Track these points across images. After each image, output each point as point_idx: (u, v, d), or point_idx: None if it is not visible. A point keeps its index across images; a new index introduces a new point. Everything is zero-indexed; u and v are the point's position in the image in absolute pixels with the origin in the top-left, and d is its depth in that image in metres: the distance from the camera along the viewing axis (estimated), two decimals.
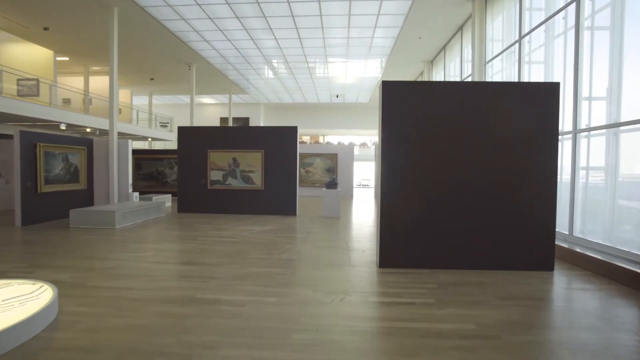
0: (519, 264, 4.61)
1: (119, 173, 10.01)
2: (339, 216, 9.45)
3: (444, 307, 3.33)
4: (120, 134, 16.14)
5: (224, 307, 3.30)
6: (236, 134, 10.24)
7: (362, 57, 14.66)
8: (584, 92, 5.48)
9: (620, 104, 4.90)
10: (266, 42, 12.98)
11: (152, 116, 21.12)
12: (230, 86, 19.73)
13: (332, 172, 15.26)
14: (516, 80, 7.41)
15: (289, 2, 9.75)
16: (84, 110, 15.39)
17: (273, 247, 5.85)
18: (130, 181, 10.28)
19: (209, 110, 25.46)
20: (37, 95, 13.23)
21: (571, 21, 5.75)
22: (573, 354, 2.56)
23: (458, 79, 11.14)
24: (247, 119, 24.89)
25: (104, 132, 15.43)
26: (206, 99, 24.34)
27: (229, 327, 2.89)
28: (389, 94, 4.68)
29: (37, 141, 7.84)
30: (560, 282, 4.25)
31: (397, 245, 4.69)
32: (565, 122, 5.69)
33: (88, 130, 15.40)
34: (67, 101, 16.08)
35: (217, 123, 24.76)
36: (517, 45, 7.57)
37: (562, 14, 6.11)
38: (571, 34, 5.75)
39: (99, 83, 16.64)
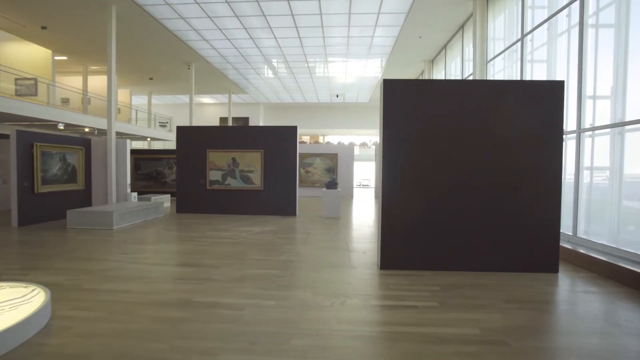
0: (522, 266, 4.53)
1: (117, 173, 9.92)
2: (339, 216, 9.37)
3: (447, 311, 3.25)
4: (119, 133, 16.09)
5: (221, 310, 3.21)
6: (235, 134, 10.15)
7: (362, 56, 14.58)
8: (588, 90, 5.39)
9: (625, 102, 4.82)
10: (266, 41, 12.89)
11: (151, 116, 21.03)
12: (230, 86, 19.64)
13: (332, 172, 15.17)
14: (518, 79, 7.33)
15: (288, 0, 9.67)
16: (83, 110, 15.30)
17: (272, 248, 5.76)
18: (128, 181, 10.19)
19: (209, 110, 25.37)
20: (35, 94, 13.15)
21: (575, 19, 5.67)
22: None
23: (459, 78, 11.06)
24: (246, 119, 24.80)
25: (102, 132, 15.33)
26: (205, 99, 24.25)
27: (227, 332, 2.81)
28: (391, 92, 4.59)
29: (34, 141, 7.75)
30: (565, 284, 4.17)
31: (399, 247, 4.60)
32: (568, 122, 5.60)
33: (86, 130, 15.31)
34: (65, 101, 16.00)
35: (216, 123, 24.67)
36: (519, 43, 7.48)
37: (565, 11, 6.03)
38: (575, 31, 5.66)
39: (98, 83, 16.53)
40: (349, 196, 15.13)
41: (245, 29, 11.71)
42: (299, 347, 2.59)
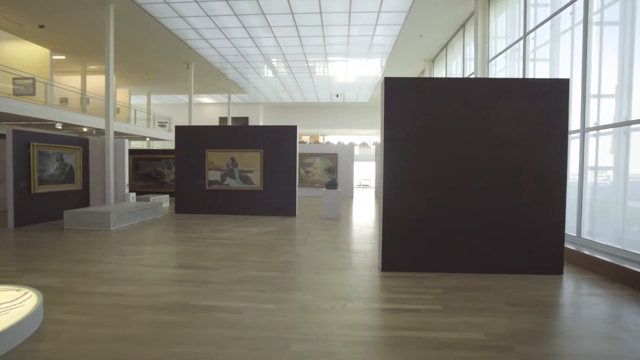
0: (526, 268, 4.44)
1: (116, 173, 9.83)
2: (339, 217, 9.28)
3: (451, 315, 3.16)
4: (118, 133, 16.02)
5: (219, 314, 3.13)
6: (235, 134, 10.07)
7: (363, 55, 14.49)
8: (592, 89, 5.31)
9: (630, 101, 4.74)
10: (265, 40, 12.80)
11: (150, 116, 20.93)
12: (229, 85, 19.55)
13: (332, 172, 15.09)
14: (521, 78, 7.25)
15: None
16: (81, 110, 15.21)
17: (271, 249, 5.67)
18: (126, 181, 10.10)
19: (208, 109, 25.28)
20: (33, 94, 13.06)
21: (579, 16, 5.58)
22: None
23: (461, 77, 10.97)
24: (246, 119, 24.71)
25: (101, 132, 15.23)
26: (205, 99, 24.16)
27: (224, 337, 2.72)
28: (392, 91, 4.51)
29: (30, 140, 7.66)
30: (571, 286, 4.08)
31: (400, 248, 4.51)
32: (572, 121, 5.51)
33: (85, 129, 15.22)
34: (64, 100, 15.93)
35: (216, 123, 24.57)
36: (521, 42, 7.40)
37: (569, 9, 5.94)
38: (579, 29, 5.58)
39: (97, 82, 16.43)
40: (349, 196, 15.05)
41: (245, 28, 11.63)
42: (298, 353, 2.51)
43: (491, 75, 8.87)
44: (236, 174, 9.55)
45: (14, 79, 12.99)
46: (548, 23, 6.60)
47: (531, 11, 7.20)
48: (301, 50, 13.87)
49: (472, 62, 9.79)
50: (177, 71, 16.12)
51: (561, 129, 4.45)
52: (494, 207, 4.46)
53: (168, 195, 11.95)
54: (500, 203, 4.45)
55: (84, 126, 14.50)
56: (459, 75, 11.21)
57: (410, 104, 4.51)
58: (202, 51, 13.92)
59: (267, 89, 20.75)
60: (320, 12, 10.40)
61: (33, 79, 13.10)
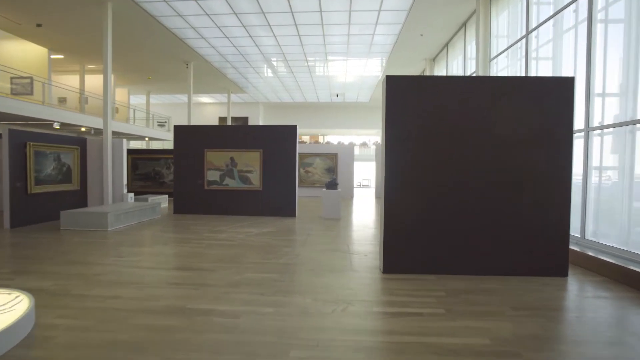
0: (531, 270, 4.35)
1: (114, 173, 9.75)
2: (339, 217, 9.20)
3: (454, 319, 3.08)
4: (117, 133, 15.93)
5: (216, 318, 3.04)
6: (234, 133, 9.98)
7: (363, 55, 14.41)
8: (597, 88, 5.22)
9: (636, 100, 4.65)
10: (265, 39, 12.71)
11: (149, 115, 20.84)
12: (229, 85, 19.46)
13: (332, 172, 15.00)
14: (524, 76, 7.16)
15: None
16: (80, 110, 15.12)
17: (271, 250, 5.59)
18: (124, 181, 10.01)
19: (208, 109, 25.19)
20: (31, 93, 12.98)
21: (583, 14, 5.50)
22: None
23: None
24: (246, 119, 24.63)
25: (99, 132, 15.13)
26: (204, 98, 24.07)
27: (221, 343, 2.63)
28: (393, 89, 4.42)
29: (27, 140, 7.56)
30: (576, 289, 4.00)
31: (402, 250, 4.43)
32: (576, 120, 5.42)
33: (83, 129, 15.12)
34: (62, 100, 15.83)
35: (215, 122, 24.45)
36: (523, 40, 7.32)
37: (572, 6, 5.86)
38: (582, 27, 5.49)
39: (95, 81, 16.33)
40: (349, 196, 14.96)
41: (244, 26, 11.54)
42: (298, 359, 2.42)
43: (493, 75, 8.78)
44: (235, 174, 9.47)
45: (11, 78, 12.90)
46: (551, 21, 6.52)
47: (533, 9, 7.12)
48: (301, 49, 13.78)
49: (474, 62, 9.71)
50: (176, 71, 16.03)
51: (566, 128, 4.37)
52: (497, 208, 4.37)
53: (167, 196, 11.88)
54: (504, 204, 4.37)
55: (82, 126, 14.41)
56: (460, 74, 11.12)
57: (412, 103, 4.42)
58: (201, 50, 13.83)
59: (266, 88, 20.67)
60: (320, 11, 10.32)
61: (31, 78, 13.01)
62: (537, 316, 3.17)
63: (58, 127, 13.08)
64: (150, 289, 3.78)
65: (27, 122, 12.81)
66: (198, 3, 9.83)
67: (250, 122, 24.48)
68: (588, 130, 5.22)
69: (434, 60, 13.75)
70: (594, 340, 2.76)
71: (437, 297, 3.58)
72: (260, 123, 24.76)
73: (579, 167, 5.34)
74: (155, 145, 23.88)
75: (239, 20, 11.01)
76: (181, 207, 9.60)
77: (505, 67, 8.42)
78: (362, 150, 30.00)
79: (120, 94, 19.85)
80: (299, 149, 10.18)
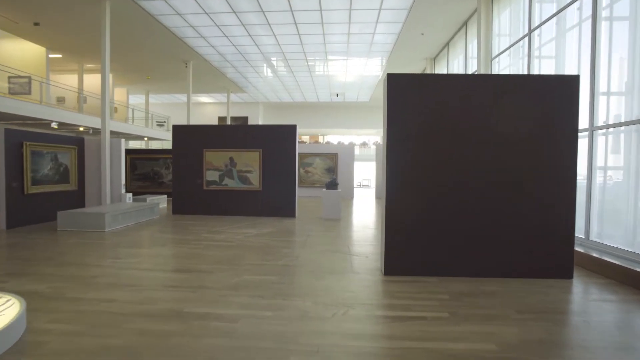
0: (535, 271, 4.27)
1: (112, 173, 9.66)
2: (339, 218, 9.11)
3: (458, 323, 2.99)
4: (116, 133, 15.84)
5: (213, 323, 2.96)
6: (233, 133, 9.89)
7: (363, 54, 14.32)
8: (601, 86, 5.14)
9: None
10: (265, 38, 12.63)
11: (148, 115, 20.75)
12: (228, 85, 19.38)
13: (332, 172, 14.92)
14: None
15: None
16: (78, 109, 15.03)
17: (270, 251, 5.50)
18: (123, 181, 9.92)
19: (207, 109, 25.10)
20: (29, 93, 12.90)
21: (587, 11, 5.42)
22: None
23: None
24: (245, 118, 24.54)
25: (98, 131, 15.04)
26: (204, 98, 23.97)
27: (218, 348, 2.55)
28: (395, 87, 4.33)
29: (23, 140, 7.47)
30: (582, 291, 3.92)
31: (404, 251, 4.34)
32: (580, 119, 5.34)
33: (81, 129, 15.03)
34: (61, 100, 15.74)
35: (215, 122, 24.37)
36: (526, 39, 7.23)
37: (576, 4, 5.78)
38: (586, 25, 5.41)
39: (94, 81, 16.25)
40: (349, 197, 14.88)
41: (244, 25, 11.45)
42: None
43: (495, 73, 8.70)
44: (234, 174, 9.38)
45: (9, 77, 12.81)
46: (554, 19, 6.43)
47: (536, 7, 7.03)
48: (301, 48, 13.70)
49: (475, 61, 9.63)
50: (175, 70, 15.95)
51: (570, 127, 4.28)
52: (501, 209, 4.29)
53: (166, 196, 11.79)
54: (508, 204, 4.28)
55: (80, 125, 14.32)
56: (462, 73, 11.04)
57: (414, 101, 4.34)
58: (200, 49, 13.74)
59: (266, 88, 20.58)
60: (320, 10, 10.24)
61: (29, 77, 12.92)
62: (542, 320, 3.09)
63: (56, 126, 13.00)
64: (147, 291, 3.69)
65: (24, 122, 12.72)
66: (197, 1, 9.75)
67: (250, 122, 24.40)
68: (592, 129, 5.14)
69: (434, 59, 13.67)
70: (603, 346, 2.68)
71: (440, 300, 3.50)
72: (260, 123, 24.67)
73: (583, 166, 5.27)
74: (154, 145, 23.79)
75: (239, 19, 10.93)
76: (180, 207, 9.52)
77: (507, 66, 8.33)
78: (362, 150, 29.92)
79: (119, 94, 19.76)
80: (298, 148, 10.10)
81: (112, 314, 3.10)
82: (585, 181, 5.21)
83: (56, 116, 12.77)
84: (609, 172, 5.18)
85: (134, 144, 22.79)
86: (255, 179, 9.31)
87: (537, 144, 4.27)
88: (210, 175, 9.43)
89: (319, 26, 11.47)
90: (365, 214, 10.48)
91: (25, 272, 4.30)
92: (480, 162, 4.28)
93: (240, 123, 23.70)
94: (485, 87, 4.37)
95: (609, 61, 5.04)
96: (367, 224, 8.55)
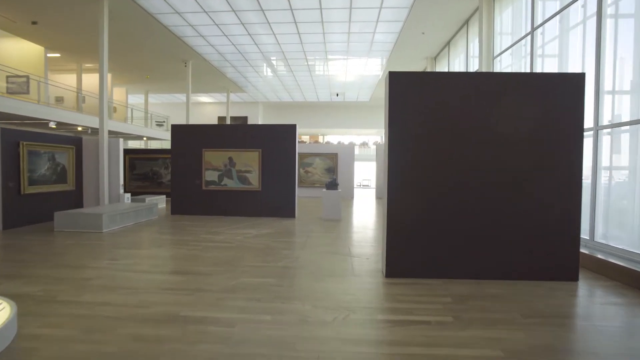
0: (539, 273, 4.18)
1: (110, 173, 9.57)
2: (339, 218, 9.02)
3: (463, 328, 2.90)
4: (114, 133, 15.74)
5: (210, 327, 2.87)
6: (232, 133, 9.81)
7: (363, 53, 14.23)
8: (606, 85, 5.05)
9: None
10: (264, 37, 12.54)
11: (147, 115, 20.65)
12: (228, 84, 19.28)
13: (332, 172, 14.83)
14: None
15: None
16: (77, 109, 14.93)
17: (269, 253, 5.41)
18: (121, 182, 9.83)
19: (207, 109, 25.01)
20: (27, 92, 12.80)
21: (591, 9, 5.33)
22: None
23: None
24: (245, 118, 24.45)
25: (96, 131, 14.96)
26: (203, 98, 23.88)
27: (215, 354, 2.46)
28: (397, 86, 4.24)
29: (20, 139, 7.38)
30: (588, 294, 3.83)
31: (406, 253, 4.25)
32: (585, 118, 5.25)
33: (80, 129, 14.93)
34: (60, 99, 15.64)
35: (214, 122, 24.26)
36: (528, 37, 7.14)
37: (580, 1, 5.69)
38: (591, 22, 5.32)
39: (93, 80, 16.13)
40: (350, 197, 14.79)
41: (243, 24, 11.36)
42: None
43: None
44: (234, 174, 9.29)
45: (7, 77, 12.72)
46: (557, 17, 6.34)
47: (539, 5, 6.94)
48: (301, 48, 13.61)
49: (476, 60, 9.54)
50: (174, 70, 15.86)
51: (576, 126, 4.19)
52: (505, 210, 4.20)
53: (164, 196, 11.70)
54: (512, 206, 4.19)
55: (79, 125, 14.22)
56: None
57: (417, 100, 4.24)
58: (199, 49, 13.65)
59: (266, 88, 20.49)
60: (320, 8, 10.15)
61: (27, 77, 12.83)
62: (549, 324, 3.00)
63: (54, 126, 12.89)
64: (143, 294, 3.60)
65: (22, 122, 12.62)
66: (196, 0, 9.65)
67: (250, 122, 24.29)
68: (597, 128, 5.05)
69: (435, 59, 13.58)
70: (613, 352, 2.58)
71: (444, 304, 3.41)
72: (260, 122, 24.58)
73: (587, 166, 5.18)
74: (153, 145, 23.69)
75: (238, 17, 10.83)
76: (179, 207, 9.43)
77: (508, 65, 8.24)
78: (362, 150, 29.82)
79: (118, 94, 19.67)
80: (298, 148, 10.01)
81: (106, 318, 3.01)
82: (589, 181, 5.12)
83: (54, 116, 12.67)
84: (614, 172, 5.10)
85: (133, 144, 22.69)
86: (254, 179, 9.22)
87: (542, 144, 4.18)
88: (209, 175, 9.34)
89: (319, 25, 11.38)
90: (365, 214, 10.39)
91: (18, 274, 4.21)
92: (485, 162, 4.19)
93: (240, 123, 23.60)
94: (489, 85, 4.28)
95: (614, 59, 4.95)
96: (367, 224, 8.46)
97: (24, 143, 7.42)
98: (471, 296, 3.62)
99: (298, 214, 9.53)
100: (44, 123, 12.96)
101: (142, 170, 13.24)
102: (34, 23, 10.94)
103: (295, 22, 11.17)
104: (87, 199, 9.27)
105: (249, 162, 9.23)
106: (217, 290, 3.72)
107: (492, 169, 4.19)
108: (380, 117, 25.93)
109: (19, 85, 12.98)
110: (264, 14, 10.57)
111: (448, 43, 12.01)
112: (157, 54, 14.02)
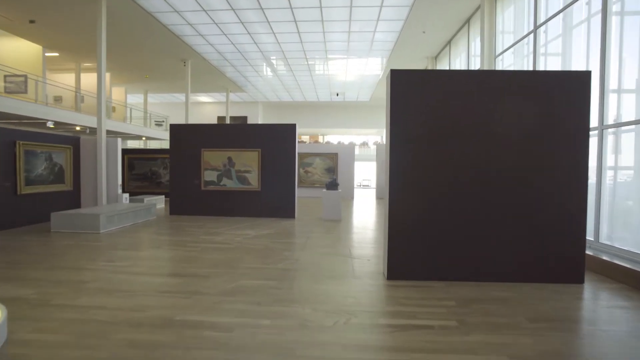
0: (544, 276, 4.09)
1: (108, 173, 9.48)
2: (339, 219, 8.93)
3: (468, 332, 2.82)
4: (114, 132, 15.67)
5: (206, 332, 2.78)
6: (231, 132, 9.72)
7: (364, 53, 14.15)
8: (611, 84, 4.97)
9: None
10: (264, 36, 12.46)
11: (147, 115, 20.56)
12: (228, 84, 19.20)
13: (332, 172, 14.74)
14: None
15: None
16: (75, 108, 14.84)
17: (269, 254, 5.33)
18: (119, 182, 9.75)
19: (206, 109, 24.93)
20: (25, 92, 12.71)
21: (596, 6, 5.24)
22: None
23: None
24: (245, 118, 24.37)
25: (95, 131, 14.87)
26: (203, 97, 23.80)
27: None
28: (399, 84, 4.16)
29: (16, 139, 7.29)
30: (594, 297, 3.75)
31: (407, 255, 4.16)
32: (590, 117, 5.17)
33: (78, 128, 14.84)
34: (58, 99, 15.55)
35: (214, 122, 24.19)
36: (531, 36, 7.06)
37: None
38: (595, 20, 5.24)
39: (92, 80, 16.00)
40: (350, 197, 14.71)
41: (242, 23, 11.28)
42: None
43: None
44: (233, 174, 9.20)
45: (5, 76, 12.63)
46: (560, 15, 6.26)
47: (542, 3, 6.86)
48: (301, 47, 13.53)
49: (478, 59, 9.46)
50: (174, 69, 15.78)
51: (581, 125, 4.11)
52: (508, 211, 4.11)
53: (163, 196, 11.62)
54: (516, 207, 4.11)
55: (77, 125, 14.13)
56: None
57: (420, 99, 4.16)
58: (199, 48, 13.57)
59: (266, 87, 20.41)
60: (320, 7, 10.06)
61: (25, 76, 12.74)
62: (557, 329, 2.91)
63: (52, 125, 12.81)
64: (139, 297, 3.51)
65: (20, 121, 12.53)
66: None
67: (250, 122, 24.21)
68: (602, 128, 4.97)
69: (435, 58, 13.49)
70: (623, 359, 2.50)
71: (447, 307, 3.32)
72: (260, 122, 24.49)
73: (592, 166, 5.09)
74: (153, 145, 23.59)
75: (237, 16, 10.75)
76: (177, 208, 9.34)
77: (510, 64, 8.17)
78: (362, 150, 29.74)
79: (117, 93, 19.58)
80: (298, 148, 9.92)
81: (100, 323, 2.92)
82: (594, 181, 5.04)
83: (53, 115, 12.59)
84: (619, 172, 5.01)
85: (132, 144, 22.60)
86: (254, 179, 9.14)
87: (546, 143, 4.09)
88: (208, 175, 9.26)
89: (319, 24, 11.30)
90: (366, 214, 10.30)
91: (11, 277, 4.13)
92: (489, 162, 4.10)
93: (240, 123, 23.51)
94: (498, 83, 4.19)
95: (620, 58, 4.87)
96: (368, 225, 8.38)
97: (21, 143, 7.33)
98: (475, 299, 3.54)
99: (298, 214, 9.44)
100: (42, 123, 12.87)
101: (141, 170, 13.14)
102: (31, 22, 10.86)
103: (295, 21, 11.09)
104: (85, 200, 9.18)
105: (248, 162, 9.15)
106: (215, 293, 3.63)
107: (496, 169, 4.10)
108: (381, 117, 25.76)
109: (17, 84, 12.89)
110: (264, 13, 10.49)
111: (449, 42, 11.93)
112: (156, 53, 13.94)
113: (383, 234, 4.45)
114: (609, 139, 4.97)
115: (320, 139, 31.60)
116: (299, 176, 13.81)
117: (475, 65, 9.87)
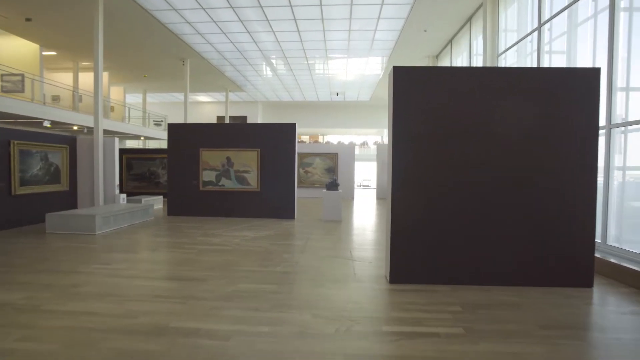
0: (552, 279, 3.96)
1: (105, 173, 9.34)
2: (340, 219, 8.80)
3: (476, 340, 2.68)
4: (112, 132, 15.51)
5: (201, 340, 2.64)
6: (230, 132, 9.58)
7: (364, 52, 14.01)
8: (619, 82, 4.84)
9: None
10: (263, 35, 12.32)
11: (145, 114, 20.42)
12: (227, 83, 19.07)
13: (332, 172, 14.60)
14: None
15: None
16: (73, 108, 14.70)
17: (268, 257, 5.19)
18: (116, 182, 9.61)
19: (206, 108, 24.79)
20: (22, 91, 12.57)
21: (603, 2, 5.11)
22: None
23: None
24: (244, 118, 24.24)
25: (92, 131, 14.72)
26: (202, 97, 23.66)
27: None
28: (402, 82, 4.02)
29: (10, 138, 7.15)
30: (605, 302, 3.61)
31: (411, 258, 4.03)
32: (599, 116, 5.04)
33: (75, 128, 14.70)
34: (56, 98, 15.41)
35: (213, 122, 24.06)
36: (535, 34, 6.93)
37: None
38: (602, 16, 5.11)
39: (90, 79, 15.84)
40: (350, 197, 14.57)
41: (242, 21, 11.14)
42: None
43: None
44: (232, 174, 9.07)
45: (1, 75, 12.49)
46: (565, 12, 6.13)
47: (546, 0, 6.73)
48: (301, 46, 13.39)
49: (480, 57, 9.33)
50: (172, 69, 15.64)
51: (590, 124, 3.97)
52: (515, 213, 3.98)
53: (161, 197, 11.48)
54: (523, 208, 3.97)
55: (74, 124, 13.98)
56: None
57: (424, 96, 4.02)
58: (198, 47, 13.43)
59: (265, 87, 20.27)
60: (321, 5, 9.93)
61: (22, 75, 12.60)
62: (569, 337, 2.78)
63: (49, 125, 12.65)
64: (132, 302, 3.38)
65: (16, 120, 12.38)
66: None
67: (249, 122, 24.07)
68: (610, 127, 4.83)
69: (437, 57, 13.36)
70: None
71: (453, 313, 3.19)
72: (259, 122, 24.35)
73: (599, 166, 4.96)
74: (151, 145, 23.44)
75: (236, 14, 10.62)
76: (175, 208, 9.21)
77: (514, 62, 8.04)
78: (362, 150, 29.60)
79: (115, 93, 19.44)
80: (298, 148, 9.79)
81: (89, 330, 2.79)
82: (601, 182, 4.91)
83: (50, 115, 12.43)
84: (628, 173, 4.88)
85: (131, 144, 22.45)
86: (253, 180, 9.00)
87: (554, 143, 3.96)
88: (207, 176, 9.12)
89: (319, 22, 11.17)
90: (366, 215, 10.17)
91: (3, 280, 3.98)
92: (495, 161, 3.97)
93: (239, 122, 23.38)
94: (505, 81, 4.05)
95: (629, 55, 4.73)
96: (368, 226, 8.24)
97: (15, 142, 7.20)
98: (482, 304, 3.40)
99: (297, 215, 9.30)
100: (39, 122, 12.73)
101: (139, 170, 13.01)
102: (27, 20, 10.72)
103: (295, 20, 10.95)
104: (82, 200, 9.05)
105: (247, 162, 9.01)
106: (211, 298, 3.50)
107: (503, 169, 3.97)
108: (381, 116, 25.49)
109: (14, 83, 12.74)
110: (263, 11, 10.36)
111: (450, 41, 11.80)
112: (155, 52, 13.81)
113: (385, 236, 4.31)
114: (617, 138, 4.84)
115: (320, 139, 31.47)
116: (298, 176, 13.67)
117: (477, 64, 9.74)
